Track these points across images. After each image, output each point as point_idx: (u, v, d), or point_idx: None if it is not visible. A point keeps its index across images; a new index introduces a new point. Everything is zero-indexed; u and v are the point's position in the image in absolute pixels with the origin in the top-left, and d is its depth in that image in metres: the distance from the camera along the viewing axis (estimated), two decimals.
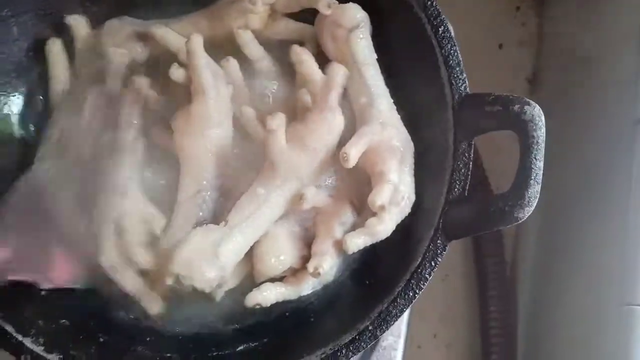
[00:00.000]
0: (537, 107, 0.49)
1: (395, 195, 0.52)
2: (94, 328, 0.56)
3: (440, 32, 0.54)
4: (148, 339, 0.56)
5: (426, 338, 0.92)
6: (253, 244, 0.54)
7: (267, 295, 0.53)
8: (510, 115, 0.49)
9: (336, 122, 0.53)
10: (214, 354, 0.56)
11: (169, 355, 0.55)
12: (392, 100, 0.56)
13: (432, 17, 0.54)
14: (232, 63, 0.57)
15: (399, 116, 0.56)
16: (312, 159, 0.54)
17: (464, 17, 0.94)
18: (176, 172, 0.56)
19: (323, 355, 0.50)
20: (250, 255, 0.54)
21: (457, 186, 0.52)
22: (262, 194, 0.53)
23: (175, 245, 0.52)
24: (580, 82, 0.87)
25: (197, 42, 0.54)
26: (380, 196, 0.50)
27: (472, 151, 0.52)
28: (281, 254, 0.54)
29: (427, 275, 0.51)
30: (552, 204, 0.84)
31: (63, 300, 0.56)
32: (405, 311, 0.51)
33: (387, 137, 0.53)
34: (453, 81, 0.53)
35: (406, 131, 0.56)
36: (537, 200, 0.48)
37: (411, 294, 0.51)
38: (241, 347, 0.57)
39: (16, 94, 0.60)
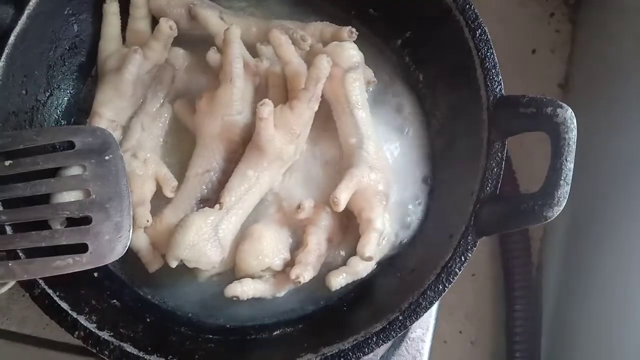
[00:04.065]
0: (570, 109, 0.50)
1: (380, 240, 0.56)
2: (141, 309, 0.59)
3: (478, 34, 0.56)
4: (191, 321, 0.60)
5: (452, 334, 0.94)
6: (238, 239, 0.57)
7: (246, 290, 0.56)
8: (542, 117, 0.50)
9: (316, 108, 0.56)
10: (252, 337, 0.59)
11: (209, 336, 0.58)
12: (379, 143, 0.59)
13: (470, 21, 0.56)
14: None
15: (386, 157, 0.59)
16: (296, 141, 0.57)
17: (499, 23, 0.95)
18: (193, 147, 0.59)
19: (355, 342, 0.52)
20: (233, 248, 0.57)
21: (489, 184, 0.53)
22: (251, 176, 0.56)
23: (177, 228, 0.54)
24: (612, 89, 0.87)
25: (235, 33, 0.56)
26: (369, 247, 0.54)
27: (504, 151, 0.54)
28: (263, 254, 0.57)
29: (457, 270, 0.53)
30: (580, 208, 0.85)
31: (113, 283, 0.60)
32: (434, 303, 0.53)
33: (374, 181, 0.57)
34: (489, 83, 0.55)
35: (391, 173, 0.59)
36: (566, 200, 0.49)
37: (441, 287, 0.53)
38: (277, 332, 0.59)
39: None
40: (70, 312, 0.52)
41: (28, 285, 0.52)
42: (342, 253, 0.60)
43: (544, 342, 0.89)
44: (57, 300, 0.52)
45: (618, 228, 0.79)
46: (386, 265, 0.60)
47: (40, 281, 0.52)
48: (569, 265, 0.88)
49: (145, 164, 0.59)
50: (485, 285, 0.95)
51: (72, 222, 0.54)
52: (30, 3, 0.56)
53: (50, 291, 0.52)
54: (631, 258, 0.75)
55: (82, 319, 0.52)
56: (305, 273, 0.55)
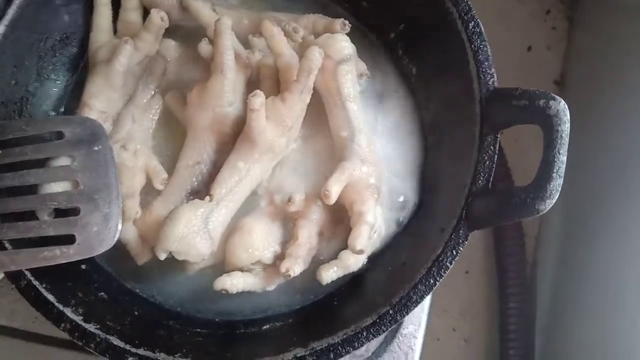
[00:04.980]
0: (562, 102, 0.49)
1: (371, 233, 0.55)
2: (129, 302, 0.59)
3: (471, 27, 0.55)
4: (179, 314, 0.59)
5: (446, 331, 0.93)
6: (228, 232, 0.57)
7: (236, 283, 0.55)
8: (535, 110, 0.50)
9: (308, 100, 0.56)
10: (241, 331, 0.59)
11: (198, 330, 0.58)
12: (371, 136, 0.59)
13: (463, 13, 0.55)
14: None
15: (377, 151, 0.59)
16: (287, 133, 0.56)
17: (495, 19, 0.95)
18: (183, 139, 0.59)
19: (345, 336, 0.52)
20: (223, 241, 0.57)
21: (482, 178, 0.53)
22: (242, 168, 0.56)
23: (166, 220, 0.54)
24: (608, 86, 0.87)
25: (226, 24, 0.56)
26: (360, 240, 0.53)
27: (497, 144, 0.53)
28: (253, 247, 0.56)
29: (448, 264, 0.52)
30: (574, 205, 0.85)
31: (101, 276, 0.60)
32: (425, 297, 0.52)
33: (366, 174, 0.56)
34: (481, 75, 0.54)
35: (382, 166, 0.59)
36: (558, 193, 0.48)
37: (432, 281, 0.52)
38: (267, 326, 0.59)
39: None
40: (56, 304, 0.51)
41: (14, 277, 0.52)
42: (333, 246, 0.59)
43: (538, 340, 0.89)
44: (44, 293, 0.52)
45: (613, 225, 0.79)
46: (377, 259, 0.59)
47: (27, 273, 0.52)
48: (564, 262, 0.87)
49: (135, 156, 0.58)
50: (479, 282, 0.94)
51: (60, 213, 0.53)
52: None
53: (36, 283, 0.52)
54: (626, 255, 0.75)
55: (68, 312, 0.51)
56: (295, 266, 0.54)
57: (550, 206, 0.49)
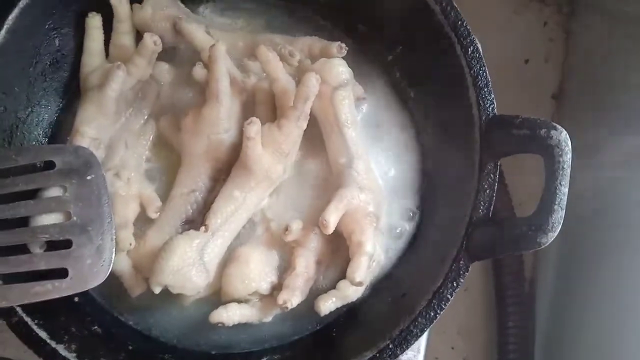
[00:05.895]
0: (564, 132, 0.49)
1: (370, 263, 0.54)
2: (123, 336, 0.57)
3: (470, 52, 0.54)
4: (175, 348, 0.58)
5: (444, 350, 0.93)
6: (224, 263, 0.56)
7: (232, 316, 0.54)
8: (536, 139, 0.49)
9: (304, 126, 0.55)
10: None
11: None
12: (369, 162, 0.58)
13: (462, 37, 0.54)
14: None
15: (376, 177, 0.58)
16: (284, 160, 0.55)
17: (491, 32, 0.94)
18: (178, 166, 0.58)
19: None
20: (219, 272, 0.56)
21: (482, 207, 0.52)
22: (238, 197, 0.55)
23: (160, 252, 0.53)
24: (607, 98, 0.86)
25: (221, 50, 0.54)
26: (359, 273, 0.52)
27: (497, 173, 0.52)
28: (249, 278, 0.55)
29: (448, 296, 0.52)
30: (573, 221, 0.84)
31: (94, 309, 0.58)
32: (425, 330, 0.51)
33: (364, 202, 0.55)
34: (481, 102, 0.53)
35: (381, 194, 0.58)
36: (560, 225, 0.48)
37: (432, 314, 0.51)
38: (264, 359, 0.58)
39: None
40: (49, 341, 0.50)
41: (5, 313, 0.51)
42: (331, 275, 0.58)
43: (538, 358, 0.88)
44: (35, 329, 0.50)
45: (612, 242, 0.78)
46: (377, 289, 0.59)
47: (18, 308, 0.51)
48: (563, 280, 0.87)
49: (128, 184, 0.57)
50: (477, 300, 0.94)
51: (52, 245, 0.52)
52: (10, 17, 0.54)
53: (28, 319, 0.51)
54: (626, 273, 0.74)
55: (60, 348, 0.50)
56: (293, 298, 0.53)
57: (553, 239, 0.48)
